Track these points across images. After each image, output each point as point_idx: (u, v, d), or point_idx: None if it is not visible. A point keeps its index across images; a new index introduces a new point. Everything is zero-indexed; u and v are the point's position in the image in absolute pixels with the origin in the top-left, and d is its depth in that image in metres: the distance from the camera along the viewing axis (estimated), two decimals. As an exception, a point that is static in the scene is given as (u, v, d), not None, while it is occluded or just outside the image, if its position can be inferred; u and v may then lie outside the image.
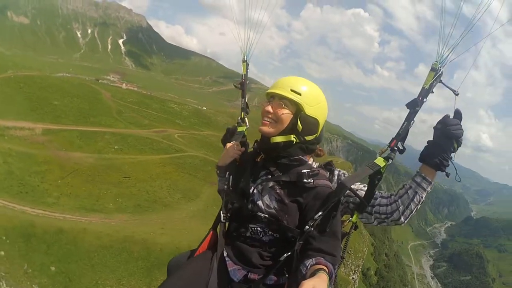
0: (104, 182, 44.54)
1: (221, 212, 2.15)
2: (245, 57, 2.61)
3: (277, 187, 1.93)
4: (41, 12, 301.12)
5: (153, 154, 58.35)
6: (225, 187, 2.15)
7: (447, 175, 1.92)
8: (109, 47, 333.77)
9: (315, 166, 2.08)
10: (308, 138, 1.96)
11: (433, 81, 1.89)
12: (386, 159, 1.94)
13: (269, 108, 1.95)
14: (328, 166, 2.15)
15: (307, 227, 1.79)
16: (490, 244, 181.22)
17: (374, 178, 1.96)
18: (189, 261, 2.16)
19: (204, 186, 51.04)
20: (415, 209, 1.97)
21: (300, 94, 1.90)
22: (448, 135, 1.87)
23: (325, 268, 1.58)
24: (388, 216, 1.98)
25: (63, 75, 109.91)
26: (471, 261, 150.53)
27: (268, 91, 2.02)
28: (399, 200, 1.97)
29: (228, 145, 2.29)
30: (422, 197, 1.95)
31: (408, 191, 1.95)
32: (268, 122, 1.95)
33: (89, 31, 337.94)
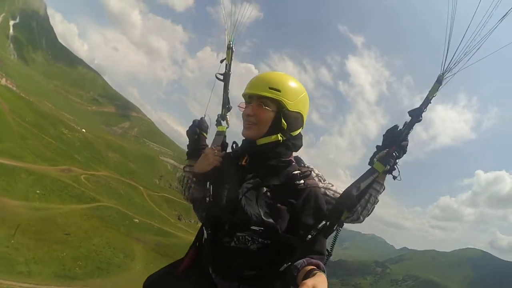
0: (53, 241, 46.55)
1: (203, 228, 1.98)
2: (231, 43, 2.38)
3: (267, 191, 1.81)
4: None
5: (72, 203, 61.25)
6: (207, 198, 1.98)
7: (394, 178, 2.00)
8: None
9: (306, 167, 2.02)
10: (293, 133, 1.90)
11: (436, 93, 1.98)
12: (384, 164, 1.95)
13: (249, 111, 1.85)
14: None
15: (309, 236, 1.75)
16: (348, 283, 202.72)
17: (372, 182, 1.99)
18: (171, 282, 2.00)
19: (132, 243, 56.46)
20: (371, 209, 2.05)
21: (279, 91, 1.80)
22: (395, 144, 1.96)
23: (316, 268, 1.55)
24: (349, 215, 2.00)
25: None
26: None
27: (245, 92, 1.92)
28: (355, 211, 2.01)
29: (208, 150, 2.09)
30: (376, 198, 2.02)
31: (365, 194, 2.01)
32: (250, 126, 1.86)
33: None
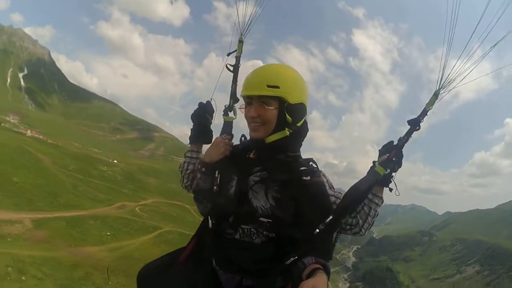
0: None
1: (208, 218, 1.94)
2: (242, 36, 2.42)
3: (274, 185, 1.82)
4: None
5: (139, 235, 63.73)
6: (214, 187, 1.95)
7: (390, 190, 2.04)
8: (8, 80, 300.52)
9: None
10: (299, 124, 1.89)
11: (433, 106, 2.08)
12: (385, 168, 1.99)
13: (253, 113, 1.83)
14: (309, 164, 2.06)
15: (317, 230, 1.75)
16: (397, 257, 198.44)
17: (369, 184, 2.04)
18: (168, 276, 1.94)
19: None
20: (372, 222, 2.09)
21: (278, 87, 1.77)
22: (394, 148, 2.01)
23: (321, 267, 1.54)
24: (352, 228, 2.06)
25: None
26: (383, 275, 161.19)
27: (243, 93, 1.89)
28: (358, 216, 2.06)
29: (218, 139, 2.08)
30: (376, 211, 2.06)
31: (364, 207, 2.05)
32: (257, 127, 1.85)
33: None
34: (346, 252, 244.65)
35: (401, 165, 2.03)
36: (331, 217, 1.78)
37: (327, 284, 1.46)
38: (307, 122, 1.98)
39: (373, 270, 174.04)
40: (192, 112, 2.31)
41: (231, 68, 2.38)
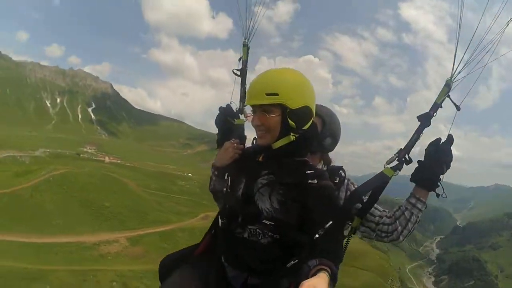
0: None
1: (219, 216, 2.01)
2: (246, 40, 2.47)
3: (280, 188, 1.82)
4: (10, 81, 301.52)
5: None
6: (224, 189, 2.03)
7: (437, 195, 2.01)
8: (79, 116, 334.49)
9: (321, 168, 2.20)
10: (305, 127, 1.86)
11: (445, 97, 2.01)
12: (394, 169, 2.01)
13: (257, 121, 1.85)
14: (339, 172, 2.23)
15: (317, 235, 1.70)
16: (484, 246, 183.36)
17: (380, 187, 2.05)
18: (185, 267, 2.04)
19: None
20: (413, 228, 2.06)
21: (277, 94, 1.75)
22: (439, 159, 1.97)
23: (327, 268, 1.51)
24: (388, 235, 2.06)
25: (45, 151, 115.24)
26: (470, 266, 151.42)
27: (246, 103, 1.95)
28: (397, 221, 2.05)
29: (227, 144, 2.12)
30: (418, 217, 2.04)
31: (405, 213, 2.03)
32: (263, 135, 1.87)
33: (58, 100, 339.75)
34: (429, 244, 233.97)
35: (447, 166, 2.02)
36: (331, 221, 1.74)
37: (329, 284, 1.44)
38: (316, 124, 1.98)
39: (459, 261, 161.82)
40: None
41: (238, 73, 2.46)
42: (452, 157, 1.97)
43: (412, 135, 2.05)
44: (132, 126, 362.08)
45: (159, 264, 2.14)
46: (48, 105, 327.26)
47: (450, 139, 2.00)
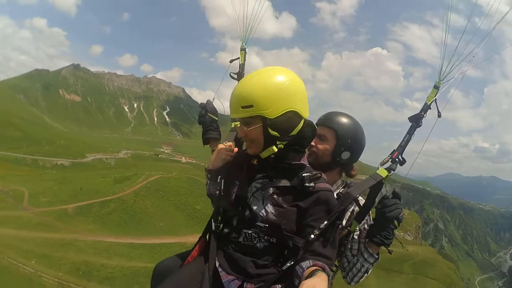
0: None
1: (212, 220, 1.98)
2: (244, 44, 2.51)
3: (275, 192, 1.79)
4: (90, 90, 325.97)
5: None
6: (217, 192, 1.98)
7: (390, 252, 2.00)
8: (155, 119, 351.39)
9: (340, 182, 2.33)
10: (293, 132, 1.77)
11: (434, 99, 2.00)
12: (388, 170, 1.97)
13: (240, 133, 1.85)
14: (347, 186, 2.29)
15: (312, 236, 1.67)
16: None
17: (376, 189, 1.98)
18: (178, 271, 1.94)
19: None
20: (363, 277, 2.12)
21: (251, 106, 1.68)
22: (386, 216, 1.92)
23: (321, 269, 1.49)
24: (343, 277, 2.18)
25: (127, 153, 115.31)
26: None
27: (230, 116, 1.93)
28: (349, 272, 2.13)
29: (220, 147, 2.07)
30: (369, 269, 2.09)
31: (357, 264, 2.09)
32: (249, 145, 1.84)
33: (135, 105, 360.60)
34: (503, 254, 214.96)
35: (398, 220, 1.99)
36: (325, 222, 1.72)
37: (328, 284, 1.42)
38: (309, 125, 1.86)
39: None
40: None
41: (235, 76, 2.48)
42: (400, 210, 1.94)
43: (404, 136, 2.06)
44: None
45: (153, 270, 2.09)
46: (126, 110, 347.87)
47: (395, 195, 1.98)
